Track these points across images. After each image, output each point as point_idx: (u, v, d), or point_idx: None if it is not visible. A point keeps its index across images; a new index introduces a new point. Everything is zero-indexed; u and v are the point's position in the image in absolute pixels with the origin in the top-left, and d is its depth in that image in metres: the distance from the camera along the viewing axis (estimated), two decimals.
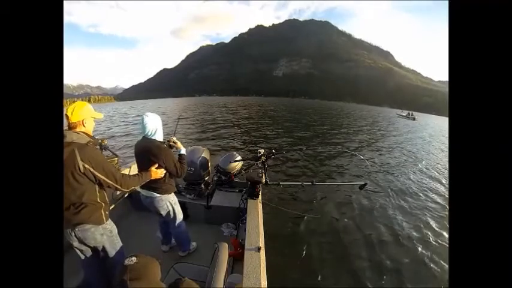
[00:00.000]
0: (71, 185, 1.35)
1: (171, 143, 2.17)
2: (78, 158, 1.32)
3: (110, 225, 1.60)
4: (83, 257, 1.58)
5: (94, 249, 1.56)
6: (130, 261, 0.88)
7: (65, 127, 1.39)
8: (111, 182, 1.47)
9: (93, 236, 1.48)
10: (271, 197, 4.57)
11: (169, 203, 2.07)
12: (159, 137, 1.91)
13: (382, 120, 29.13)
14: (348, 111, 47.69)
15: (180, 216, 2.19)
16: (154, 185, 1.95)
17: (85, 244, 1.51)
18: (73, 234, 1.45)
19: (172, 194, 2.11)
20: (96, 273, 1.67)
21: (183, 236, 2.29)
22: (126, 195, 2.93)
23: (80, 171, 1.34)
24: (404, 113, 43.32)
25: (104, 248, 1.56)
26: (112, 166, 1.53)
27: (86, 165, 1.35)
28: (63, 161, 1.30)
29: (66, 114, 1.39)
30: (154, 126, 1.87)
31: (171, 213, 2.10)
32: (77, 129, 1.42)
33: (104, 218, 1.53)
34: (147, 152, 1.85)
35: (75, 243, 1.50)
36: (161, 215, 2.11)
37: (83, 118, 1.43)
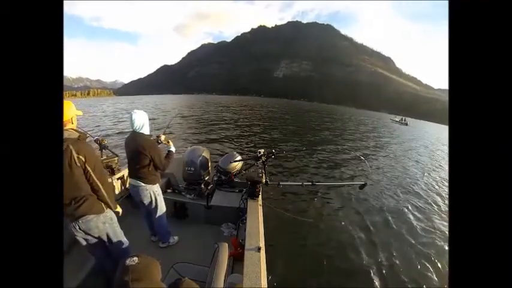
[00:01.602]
0: (69, 180, 1.43)
1: (159, 139, 2.42)
2: (74, 152, 1.42)
3: (110, 213, 1.69)
4: (89, 247, 1.68)
5: (99, 239, 1.66)
6: (132, 262, 0.87)
7: None
8: (94, 177, 1.52)
9: (96, 225, 1.58)
10: (271, 198, 4.58)
11: (153, 192, 2.23)
12: (146, 131, 2.12)
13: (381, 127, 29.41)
14: (349, 115, 48.05)
15: (162, 208, 2.34)
16: (141, 175, 2.13)
17: (90, 235, 1.61)
18: (77, 227, 1.54)
19: (157, 185, 2.27)
20: (105, 259, 1.79)
21: (164, 229, 2.43)
22: (125, 196, 2.92)
23: (77, 164, 1.43)
24: (398, 118, 46.75)
25: (107, 236, 1.68)
26: (100, 163, 1.67)
27: (81, 157, 1.44)
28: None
29: None
30: (142, 122, 2.08)
31: (153, 202, 2.26)
32: (67, 127, 1.51)
33: (104, 207, 1.62)
34: (135, 144, 2.06)
35: (80, 235, 1.59)
36: (144, 204, 2.26)
37: (71, 116, 1.53)
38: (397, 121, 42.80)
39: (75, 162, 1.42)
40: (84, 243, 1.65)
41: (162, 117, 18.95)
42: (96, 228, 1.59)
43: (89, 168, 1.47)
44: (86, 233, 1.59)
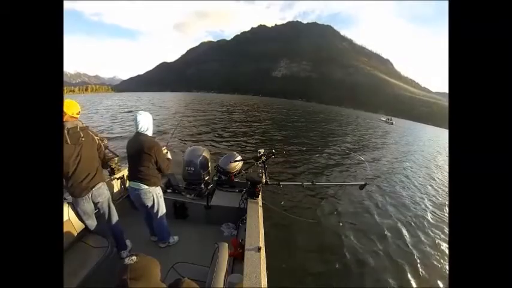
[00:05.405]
0: (87, 156, 1.88)
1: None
2: (91, 133, 1.93)
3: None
4: (97, 215, 2.19)
5: (102, 206, 2.11)
6: (131, 261, 0.86)
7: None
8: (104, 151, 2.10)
9: (103, 192, 2.05)
10: (271, 198, 4.59)
11: (156, 195, 2.22)
12: (150, 132, 2.13)
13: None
14: (346, 116, 48.55)
15: (163, 210, 2.34)
16: (143, 177, 2.10)
17: (99, 202, 2.07)
18: (90, 195, 1.97)
19: (159, 187, 2.27)
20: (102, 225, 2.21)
21: (164, 229, 2.44)
22: (125, 196, 2.92)
23: (96, 142, 1.97)
24: (384, 118, 54.39)
25: (108, 201, 2.14)
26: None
27: (96, 137, 1.97)
28: (84, 147, 1.83)
29: (64, 111, 1.82)
30: (147, 123, 2.08)
31: (156, 205, 2.25)
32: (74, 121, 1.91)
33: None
34: (140, 146, 2.03)
35: (90, 206, 2.06)
36: (146, 207, 2.25)
37: (77, 111, 1.93)
38: (383, 120, 49.16)
39: (94, 141, 1.93)
40: (92, 213, 2.08)
41: (170, 118, 18.09)
42: (103, 195, 2.05)
43: (101, 144, 2.01)
44: (95, 203, 2.04)
